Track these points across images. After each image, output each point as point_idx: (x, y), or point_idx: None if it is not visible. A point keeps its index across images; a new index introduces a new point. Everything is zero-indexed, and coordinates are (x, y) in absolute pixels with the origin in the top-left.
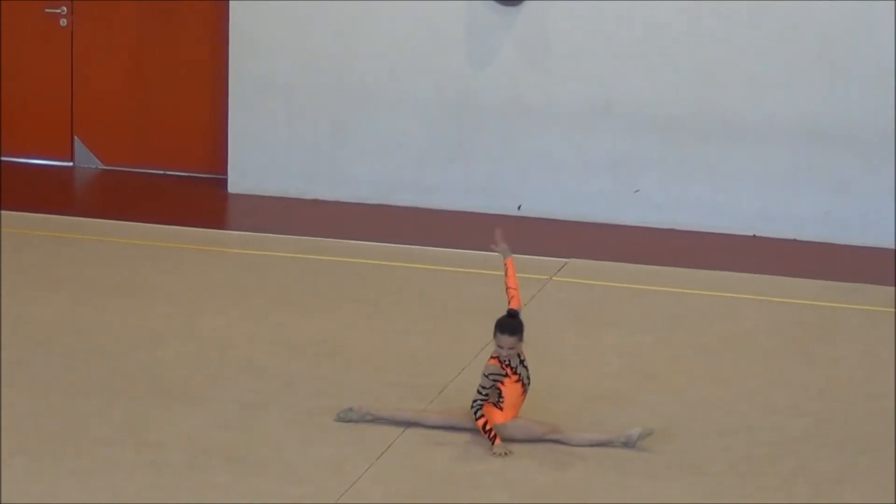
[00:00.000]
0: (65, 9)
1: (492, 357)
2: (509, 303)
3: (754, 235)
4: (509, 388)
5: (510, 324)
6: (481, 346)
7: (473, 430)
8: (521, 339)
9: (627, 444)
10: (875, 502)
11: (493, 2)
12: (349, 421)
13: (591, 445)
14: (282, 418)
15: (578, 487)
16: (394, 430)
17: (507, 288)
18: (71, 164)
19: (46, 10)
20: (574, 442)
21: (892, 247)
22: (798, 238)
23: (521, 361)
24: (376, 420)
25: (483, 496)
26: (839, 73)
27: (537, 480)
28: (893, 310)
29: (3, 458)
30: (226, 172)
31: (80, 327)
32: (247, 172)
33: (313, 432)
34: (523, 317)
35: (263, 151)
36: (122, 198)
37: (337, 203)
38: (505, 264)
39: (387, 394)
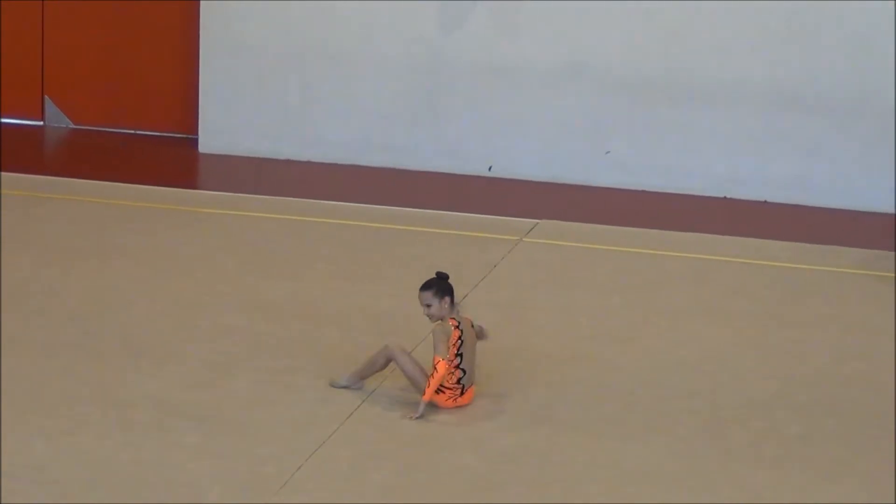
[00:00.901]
0: None
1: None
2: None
3: (725, 197)
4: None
5: (428, 280)
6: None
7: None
8: (437, 297)
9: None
10: (843, 463)
11: None
12: (343, 387)
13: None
14: (251, 379)
15: (545, 448)
16: (362, 392)
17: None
18: (41, 123)
19: None
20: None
21: (862, 209)
22: (769, 200)
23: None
24: (362, 377)
25: (451, 457)
26: (810, 35)
27: (505, 441)
28: (863, 272)
29: None
30: (196, 132)
31: (48, 288)
32: (217, 132)
33: (283, 393)
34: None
35: (234, 111)
36: (92, 157)
37: (307, 163)
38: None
39: (355, 353)
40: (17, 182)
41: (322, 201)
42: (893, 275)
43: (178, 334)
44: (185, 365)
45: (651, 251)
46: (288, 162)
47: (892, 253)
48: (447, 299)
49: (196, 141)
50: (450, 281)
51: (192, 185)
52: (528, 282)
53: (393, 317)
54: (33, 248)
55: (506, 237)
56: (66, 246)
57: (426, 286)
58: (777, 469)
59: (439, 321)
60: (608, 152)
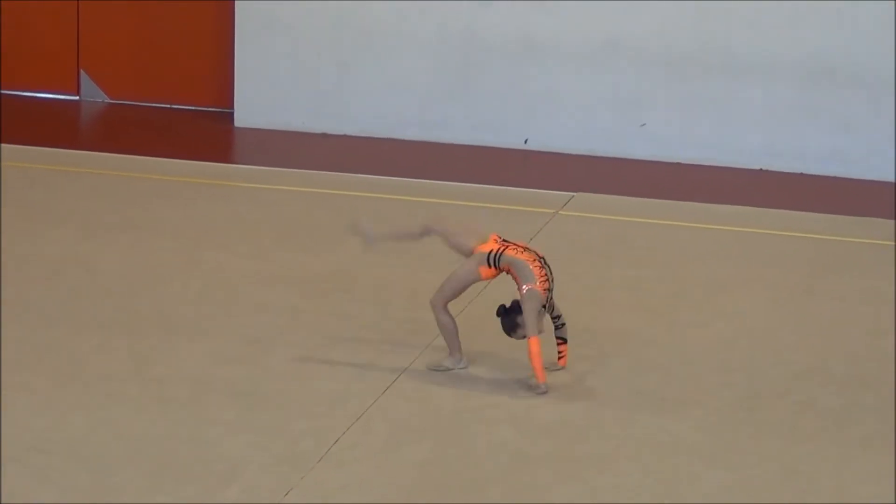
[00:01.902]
0: None
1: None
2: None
3: (761, 170)
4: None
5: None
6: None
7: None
8: (513, 332)
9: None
10: (879, 437)
11: None
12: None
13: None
14: (287, 354)
15: (582, 423)
16: (398, 366)
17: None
18: (77, 97)
19: None
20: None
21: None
22: (804, 172)
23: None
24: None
25: (487, 430)
26: (845, 9)
27: (542, 415)
28: None
29: (6, 395)
30: (232, 106)
31: (84, 263)
32: (253, 107)
33: (318, 367)
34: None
35: (269, 86)
36: (128, 132)
37: (343, 137)
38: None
39: (391, 328)
40: (52, 157)
41: (358, 175)
42: None
43: (214, 309)
44: (222, 340)
45: (687, 224)
46: (323, 136)
47: None
48: (520, 318)
49: (232, 115)
50: (504, 308)
51: (227, 159)
52: (565, 255)
53: (429, 291)
54: (68, 222)
55: (542, 210)
56: (101, 221)
57: (507, 333)
58: (813, 443)
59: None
60: (643, 125)
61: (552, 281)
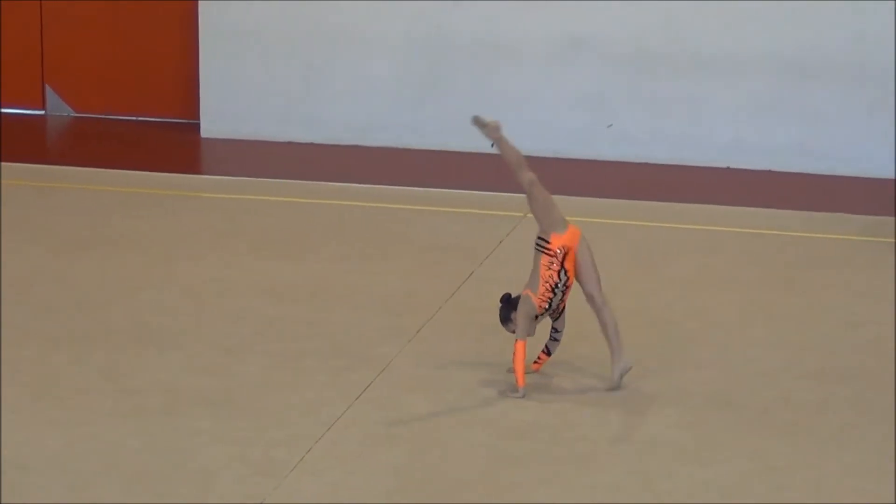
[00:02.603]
0: None
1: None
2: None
3: (729, 167)
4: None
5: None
6: (457, 284)
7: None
8: (509, 323)
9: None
10: (855, 430)
11: None
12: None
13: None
14: (262, 362)
15: (558, 423)
16: (372, 373)
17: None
18: (42, 112)
19: None
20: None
21: (866, 175)
22: (773, 169)
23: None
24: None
25: (463, 434)
26: (811, 5)
27: (518, 417)
28: (870, 238)
29: None
30: (198, 117)
31: (56, 277)
32: (219, 117)
33: (292, 375)
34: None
35: (235, 95)
36: (94, 145)
37: (311, 145)
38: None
39: (366, 335)
40: (19, 172)
41: (327, 183)
42: None
43: (187, 320)
44: (195, 350)
45: (656, 223)
46: (291, 144)
47: None
48: (514, 315)
49: (198, 126)
50: (508, 297)
51: (195, 170)
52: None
53: (402, 296)
54: (38, 238)
55: (510, 214)
56: (70, 235)
57: (500, 321)
58: (789, 437)
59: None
60: (610, 125)
61: (555, 309)
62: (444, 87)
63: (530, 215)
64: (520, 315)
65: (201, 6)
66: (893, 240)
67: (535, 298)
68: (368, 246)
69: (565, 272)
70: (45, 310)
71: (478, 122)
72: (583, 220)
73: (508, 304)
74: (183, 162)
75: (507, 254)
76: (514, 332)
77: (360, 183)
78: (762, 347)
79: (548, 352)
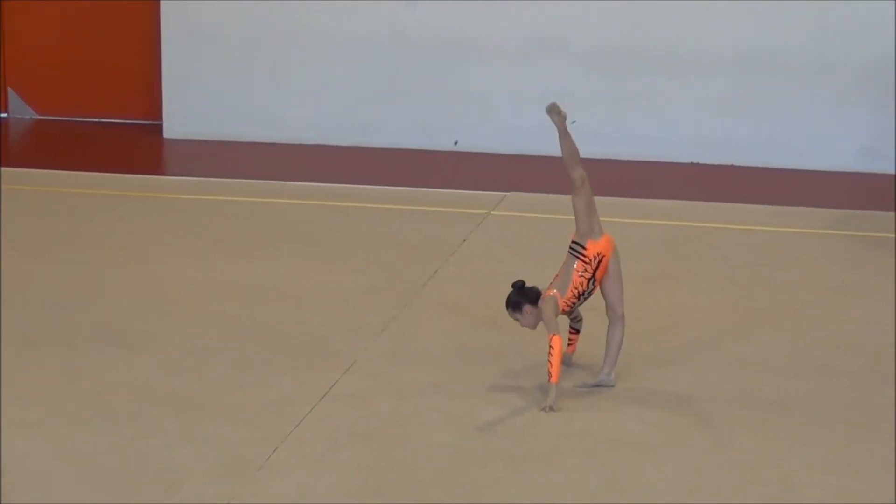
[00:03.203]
0: None
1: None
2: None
3: (693, 163)
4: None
5: (506, 299)
6: (422, 282)
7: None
8: (517, 312)
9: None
10: (820, 426)
11: None
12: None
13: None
14: (227, 363)
15: (524, 421)
16: (337, 372)
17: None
18: (5, 115)
19: None
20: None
21: (829, 169)
22: (736, 164)
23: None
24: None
25: (429, 432)
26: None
27: (483, 416)
28: (834, 232)
29: None
30: (161, 118)
31: (20, 280)
32: (182, 117)
33: (258, 375)
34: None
35: (198, 96)
36: (57, 147)
37: (274, 145)
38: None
39: (332, 334)
40: None
41: (290, 183)
42: (865, 234)
43: (152, 321)
44: (161, 351)
45: (619, 219)
46: (254, 144)
47: (862, 212)
48: (527, 308)
49: (161, 127)
50: (522, 284)
51: (158, 171)
52: (498, 255)
53: (367, 295)
54: (2, 240)
55: (474, 211)
56: (35, 237)
57: (507, 305)
58: (754, 432)
59: (543, 300)
60: (574, 122)
61: (576, 308)
62: (407, 87)
63: (495, 213)
64: (548, 315)
65: (163, 6)
66: (863, 233)
67: (561, 301)
68: (333, 245)
69: (594, 281)
70: (9, 312)
71: (553, 108)
72: (548, 217)
73: (521, 293)
74: (146, 163)
75: (472, 252)
76: (517, 319)
77: (323, 182)
78: (727, 343)
79: (576, 330)
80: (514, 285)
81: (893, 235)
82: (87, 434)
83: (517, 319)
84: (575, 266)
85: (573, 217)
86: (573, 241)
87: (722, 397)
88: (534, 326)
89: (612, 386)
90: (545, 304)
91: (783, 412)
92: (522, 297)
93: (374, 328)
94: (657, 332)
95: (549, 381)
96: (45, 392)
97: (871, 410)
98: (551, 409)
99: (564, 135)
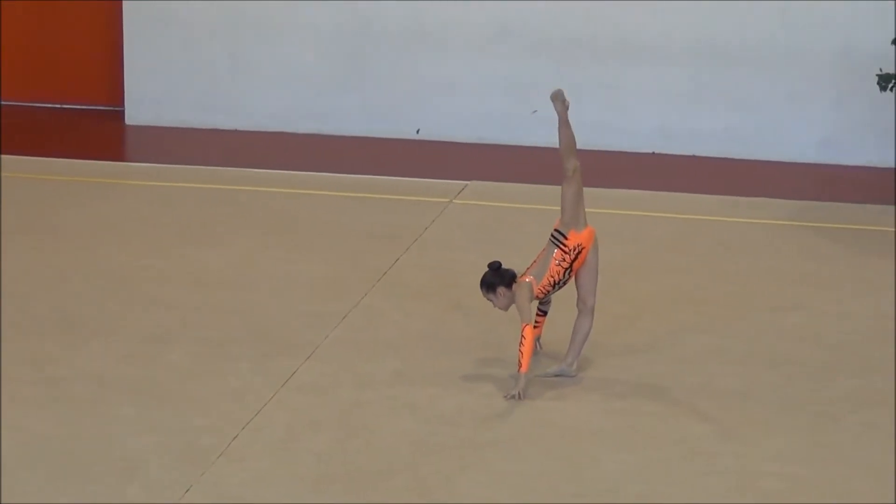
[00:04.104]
0: None
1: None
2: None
3: (654, 153)
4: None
5: (481, 278)
6: (383, 270)
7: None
8: (491, 293)
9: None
10: (780, 415)
11: None
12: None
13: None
14: (186, 350)
15: (483, 411)
16: (297, 360)
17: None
18: None
19: None
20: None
21: (791, 160)
22: (697, 154)
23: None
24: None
25: (389, 421)
26: None
27: (443, 405)
28: (795, 223)
29: None
30: (123, 104)
31: None
32: (144, 104)
33: (218, 363)
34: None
35: (160, 82)
36: (18, 133)
37: (235, 132)
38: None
39: (292, 321)
40: None
41: (252, 170)
42: (826, 225)
43: (112, 308)
44: (121, 338)
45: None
46: (215, 131)
47: (822, 204)
48: (501, 290)
49: (122, 113)
50: (499, 266)
51: (120, 157)
52: (460, 243)
53: (327, 283)
54: None
55: (436, 199)
56: None
57: (481, 284)
58: (714, 422)
59: (519, 284)
60: (535, 111)
61: (549, 296)
62: (368, 74)
63: (456, 201)
64: (522, 300)
65: None
66: (825, 224)
67: (536, 288)
68: (293, 233)
69: (571, 272)
70: None
71: (558, 96)
72: (509, 206)
73: (497, 274)
74: (107, 149)
75: (433, 240)
76: (490, 300)
77: (284, 170)
78: (688, 333)
79: (544, 312)
80: (490, 266)
81: (893, 230)
82: (45, 421)
83: (490, 300)
84: (554, 254)
85: (535, 206)
86: (555, 230)
87: (683, 388)
88: (506, 308)
89: (573, 377)
90: (520, 290)
91: (744, 403)
92: (498, 279)
93: (334, 316)
94: (618, 323)
95: (518, 370)
96: (5, 379)
97: (833, 401)
98: (519, 397)
99: (565, 123)
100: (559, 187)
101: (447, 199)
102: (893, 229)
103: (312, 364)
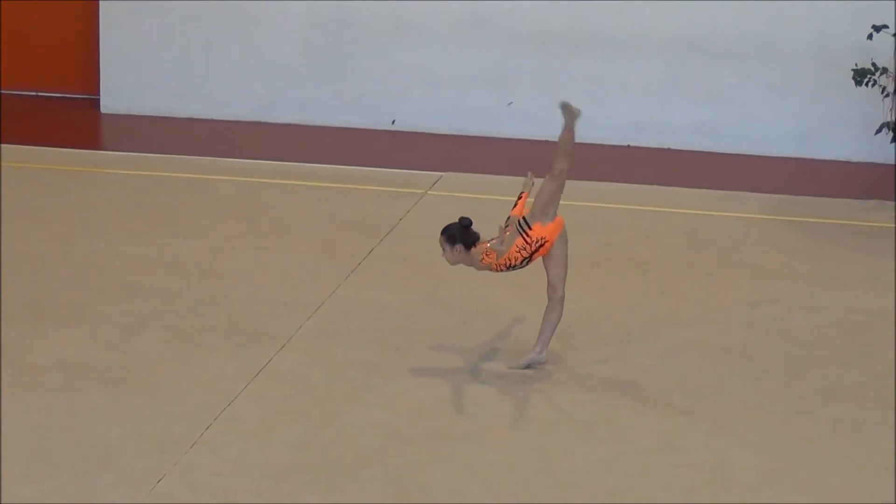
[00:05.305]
0: None
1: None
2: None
3: (629, 146)
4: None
5: (447, 226)
6: (357, 261)
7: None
8: (448, 244)
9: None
10: (754, 409)
11: None
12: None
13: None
14: (160, 338)
15: (457, 401)
16: (272, 350)
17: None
18: None
19: None
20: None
21: (765, 153)
22: (672, 147)
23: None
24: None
25: (362, 411)
26: None
27: (416, 396)
28: (769, 217)
29: None
30: (98, 93)
31: None
32: (120, 92)
33: (192, 352)
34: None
35: (136, 71)
36: None
37: (211, 121)
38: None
39: (265, 311)
40: None
41: (227, 159)
42: (801, 219)
43: (86, 296)
44: (94, 326)
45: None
46: (191, 120)
47: (798, 198)
48: (459, 247)
49: (98, 101)
50: (469, 224)
51: (95, 145)
52: (434, 235)
53: (301, 273)
54: None
55: (411, 191)
56: None
57: (442, 231)
58: (688, 415)
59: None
60: (510, 104)
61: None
62: (345, 65)
63: (431, 193)
64: (475, 257)
65: None
66: (794, 218)
67: (492, 259)
68: (268, 222)
69: (529, 261)
70: None
71: (567, 107)
72: (484, 197)
73: (464, 231)
74: (83, 137)
75: (408, 231)
76: (444, 250)
77: (260, 159)
78: (661, 326)
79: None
80: (461, 220)
81: (893, 226)
82: (18, 409)
83: (443, 249)
84: (516, 241)
85: (510, 198)
86: (523, 218)
87: (657, 381)
88: (453, 264)
89: (544, 363)
90: (476, 259)
91: (718, 396)
92: (462, 235)
93: (309, 306)
94: (592, 315)
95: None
96: None
97: (806, 395)
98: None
99: (569, 130)
100: (538, 180)
101: (422, 191)
102: (868, 224)
103: (286, 354)
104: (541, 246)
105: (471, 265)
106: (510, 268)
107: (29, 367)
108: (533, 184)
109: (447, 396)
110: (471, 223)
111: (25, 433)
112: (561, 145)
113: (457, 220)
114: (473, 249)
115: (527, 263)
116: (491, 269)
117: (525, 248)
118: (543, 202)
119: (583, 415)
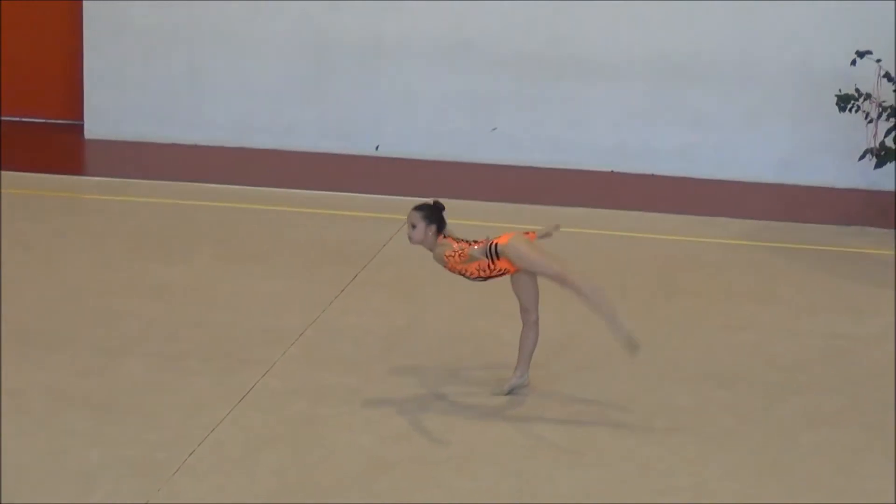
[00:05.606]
0: None
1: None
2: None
3: (612, 171)
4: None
5: (424, 202)
6: (340, 287)
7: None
8: (424, 221)
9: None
10: (733, 434)
11: None
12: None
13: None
14: (142, 364)
15: (439, 427)
16: (255, 375)
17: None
18: None
19: None
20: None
21: (747, 180)
22: (655, 173)
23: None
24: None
25: (344, 437)
26: (693, 6)
27: (399, 421)
28: (750, 242)
29: None
30: (82, 118)
31: None
32: (103, 118)
33: (173, 377)
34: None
35: (119, 96)
36: None
37: (194, 147)
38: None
39: (249, 337)
40: None
41: (210, 184)
42: (781, 245)
43: (68, 321)
44: (76, 352)
45: (536, 227)
46: (174, 145)
47: (779, 223)
48: (433, 228)
49: (82, 127)
50: (442, 209)
51: (78, 171)
52: (418, 261)
53: (285, 299)
54: None
55: (394, 216)
56: None
57: (419, 207)
58: (669, 440)
59: (443, 244)
60: (494, 129)
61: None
62: (327, 90)
63: None
64: (457, 263)
65: (86, 6)
66: (776, 244)
67: (455, 262)
68: (250, 248)
69: (484, 281)
70: None
71: (630, 341)
72: (464, 223)
73: (437, 214)
74: (66, 163)
75: (391, 257)
76: (413, 227)
77: (242, 185)
78: (643, 351)
79: None
80: (436, 203)
81: (893, 252)
82: (1, 434)
83: (413, 225)
84: (480, 260)
85: (494, 224)
86: (495, 243)
87: (637, 405)
88: (416, 243)
89: (526, 385)
90: (441, 250)
91: (698, 420)
92: (435, 218)
93: (292, 332)
94: (573, 340)
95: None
96: None
97: (785, 419)
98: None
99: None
100: (517, 205)
101: (405, 217)
102: (850, 249)
103: (269, 379)
104: (499, 275)
105: (431, 251)
106: (462, 275)
107: (10, 391)
108: (550, 235)
109: (429, 422)
110: (442, 209)
111: (6, 458)
112: (591, 302)
113: (430, 202)
114: (441, 239)
115: (480, 283)
116: (446, 267)
117: (483, 271)
118: (530, 263)
119: (564, 440)
